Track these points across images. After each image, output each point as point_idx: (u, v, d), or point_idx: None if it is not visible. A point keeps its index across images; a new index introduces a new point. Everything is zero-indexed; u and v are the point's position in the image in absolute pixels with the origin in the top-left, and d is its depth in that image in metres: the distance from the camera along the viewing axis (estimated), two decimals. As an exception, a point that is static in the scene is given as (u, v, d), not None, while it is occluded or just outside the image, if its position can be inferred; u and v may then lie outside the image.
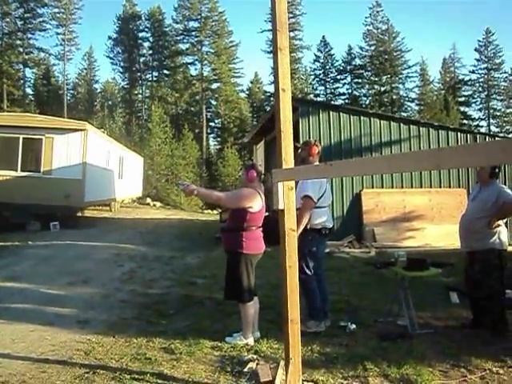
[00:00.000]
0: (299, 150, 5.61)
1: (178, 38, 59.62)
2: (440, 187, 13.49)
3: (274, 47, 3.62)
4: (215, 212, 31.61)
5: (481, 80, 60.03)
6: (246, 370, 4.31)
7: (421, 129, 13.73)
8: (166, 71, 60.68)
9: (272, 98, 55.00)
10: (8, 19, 53.38)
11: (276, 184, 3.55)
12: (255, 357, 4.63)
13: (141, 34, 60.28)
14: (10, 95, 52.69)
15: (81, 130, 16.55)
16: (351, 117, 13.50)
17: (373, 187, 13.25)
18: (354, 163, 3.60)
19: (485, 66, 59.35)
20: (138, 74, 60.47)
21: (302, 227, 5.19)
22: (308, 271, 5.43)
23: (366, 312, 6.25)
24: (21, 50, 54.73)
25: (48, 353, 4.82)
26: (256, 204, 4.98)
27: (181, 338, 5.18)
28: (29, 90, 58.11)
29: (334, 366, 4.49)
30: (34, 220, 15.62)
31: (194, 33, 58.38)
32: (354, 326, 5.55)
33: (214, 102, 59.86)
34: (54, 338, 5.28)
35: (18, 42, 54.86)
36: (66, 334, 5.42)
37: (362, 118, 13.57)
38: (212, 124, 60.86)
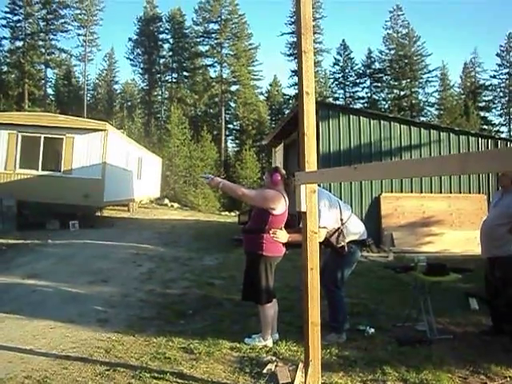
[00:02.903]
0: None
1: (198, 39, 59.93)
2: (460, 193, 13.37)
3: (298, 50, 3.64)
4: (233, 214, 31.64)
5: (502, 85, 59.30)
6: (264, 371, 4.32)
7: (441, 134, 13.63)
8: (185, 73, 60.98)
9: (291, 101, 55.01)
10: (31, 20, 54.17)
11: (299, 186, 3.56)
12: (274, 358, 4.63)
13: (161, 36, 60.76)
14: (31, 95, 53.48)
15: (101, 130, 16.71)
16: (371, 121, 13.44)
17: (392, 191, 13.18)
18: (378, 167, 3.60)
19: (506, 71, 58.62)
20: (158, 75, 60.92)
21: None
22: (336, 287, 5.37)
23: (384, 316, 6.23)
24: (43, 50, 55.46)
25: (69, 350, 4.88)
26: (280, 206, 4.96)
27: (200, 338, 5.21)
28: (50, 90, 59.00)
29: (352, 369, 4.48)
30: (54, 219, 15.81)
31: (213, 35, 58.65)
32: (372, 329, 5.53)
33: (232, 104, 59.98)
34: (74, 335, 5.35)
35: (41, 42, 55.66)
36: (87, 331, 5.49)
37: (382, 122, 13.50)
38: (230, 126, 60.93)
